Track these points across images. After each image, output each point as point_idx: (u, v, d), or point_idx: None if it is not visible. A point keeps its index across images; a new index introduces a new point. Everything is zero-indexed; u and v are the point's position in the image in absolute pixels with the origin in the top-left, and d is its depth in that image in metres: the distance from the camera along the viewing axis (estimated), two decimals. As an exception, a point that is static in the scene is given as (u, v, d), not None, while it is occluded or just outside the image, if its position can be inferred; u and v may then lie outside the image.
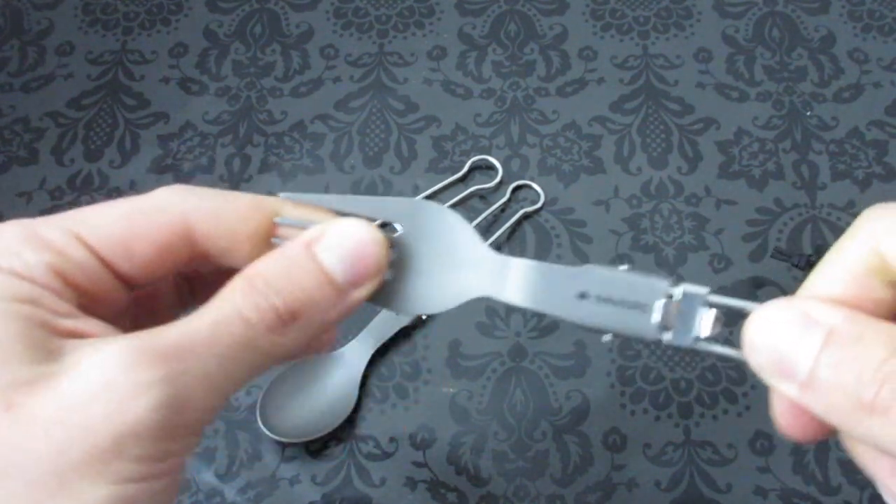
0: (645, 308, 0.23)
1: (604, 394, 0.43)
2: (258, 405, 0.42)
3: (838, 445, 0.41)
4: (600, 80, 0.54)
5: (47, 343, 0.19)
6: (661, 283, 0.23)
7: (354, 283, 0.23)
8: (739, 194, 0.49)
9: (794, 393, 0.19)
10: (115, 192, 0.51)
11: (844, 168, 0.50)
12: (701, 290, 0.23)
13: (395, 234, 0.25)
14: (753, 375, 0.46)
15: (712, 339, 0.23)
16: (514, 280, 0.24)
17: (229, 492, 0.42)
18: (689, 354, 0.44)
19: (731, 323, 0.23)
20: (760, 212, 0.48)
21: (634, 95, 0.53)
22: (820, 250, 0.46)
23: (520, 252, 0.48)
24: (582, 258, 0.47)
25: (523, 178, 0.50)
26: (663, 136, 0.52)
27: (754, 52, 0.55)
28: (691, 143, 0.51)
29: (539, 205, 0.49)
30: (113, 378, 0.19)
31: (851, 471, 0.41)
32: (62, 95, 0.55)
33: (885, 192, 0.49)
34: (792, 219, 0.48)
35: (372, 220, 0.24)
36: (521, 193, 0.50)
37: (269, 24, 0.58)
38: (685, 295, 0.22)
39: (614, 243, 0.48)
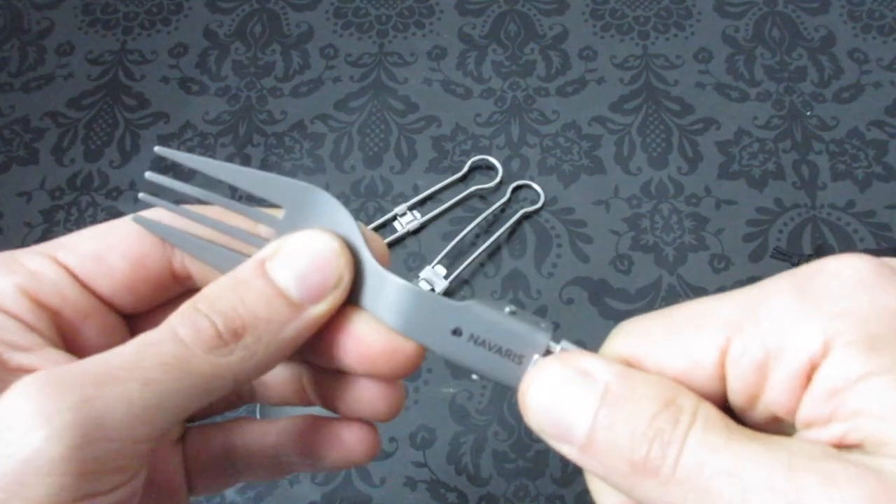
0: (518, 359, 0.21)
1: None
2: (258, 405, 0.42)
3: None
4: (600, 80, 0.54)
5: None
6: (541, 338, 0.21)
7: (312, 299, 0.21)
8: (739, 194, 0.49)
9: (574, 456, 0.18)
10: (114, 192, 0.51)
11: (844, 168, 0.50)
12: (573, 347, 0.21)
13: (278, 217, 0.23)
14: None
15: None
16: (388, 297, 0.22)
17: (229, 491, 0.42)
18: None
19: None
20: (760, 212, 0.48)
21: (634, 95, 0.53)
22: (820, 250, 0.46)
23: (519, 253, 0.48)
24: (582, 258, 0.47)
25: (523, 178, 0.50)
26: (663, 136, 0.52)
27: (754, 52, 0.55)
28: (691, 143, 0.51)
29: (539, 205, 0.49)
30: (15, 410, 0.17)
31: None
32: (62, 95, 0.55)
33: (885, 192, 0.49)
34: (792, 219, 0.48)
35: (253, 196, 0.23)
36: (521, 193, 0.50)
37: (269, 24, 0.58)
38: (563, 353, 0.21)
39: (614, 243, 0.48)
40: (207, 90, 0.55)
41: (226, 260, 0.23)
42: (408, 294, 0.22)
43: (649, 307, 0.46)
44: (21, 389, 0.17)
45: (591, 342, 0.45)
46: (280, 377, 0.25)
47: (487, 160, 0.51)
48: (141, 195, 0.24)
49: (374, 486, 0.41)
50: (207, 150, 0.52)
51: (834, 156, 0.50)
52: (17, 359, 0.19)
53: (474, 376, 0.22)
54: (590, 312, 0.46)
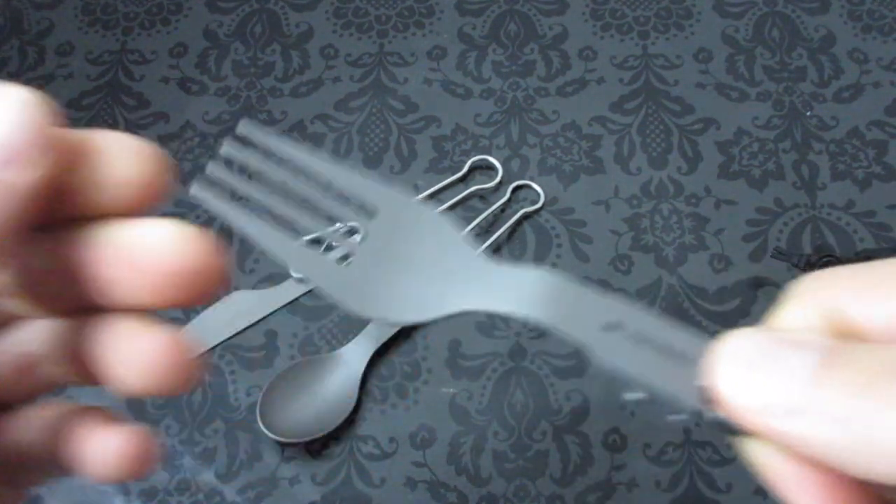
0: (687, 363, 0.17)
1: (604, 394, 0.43)
2: (258, 405, 0.42)
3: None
4: (600, 80, 0.54)
5: None
6: (705, 340, 0.17)
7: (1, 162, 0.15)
8: (739, 194, 0.49)
9: (785, 428, 0.15)
10: (115, 192, 0.51)
11: (844, 168, 0.50)
12: None
13: (371, 220, 0.21)
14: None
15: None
16: (525, 291, 0.19)
17: (229, 492, 0.42)
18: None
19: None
20: (760, 212, 0.48)
21: (634, 95, 0.53)
22: (820, 250, 0.46)
23: (520, 252, 0.48)
24: (582, 258, 0.47)
25: (523, 178, 0.50)
26: (663, 136, 0.52)
27: (754, 52, 0.55)
28: (691, 143, 0.51)
29: (539, 205, 0.49)
30: None
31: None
32: (62, 95, 0.55)
33: (886, 192, 0.49)
34: (792, 219, 0.48)
35: (342, 197, 0.21)
36: (521, 193, 0.50)
37: (269, 24, 0.58)
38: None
39: (614, 243, 0.48)
40: (207, 90, 0.55)
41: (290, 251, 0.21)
42: (554, 283, 0.19)
43: (650, 307, 0.46)
44: None
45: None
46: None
47: (487, 160, 0.51)
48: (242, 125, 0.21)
49: (374, 487, 0.41)
50: (207, 150, 0.52)
51: (834, 156, 0.50)
52: None
53: (629, 396, 0.18)
54: (590, 312, 0.46)
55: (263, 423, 0.42)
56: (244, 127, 0.21)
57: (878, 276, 0.16)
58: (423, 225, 0.21)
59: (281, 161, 0.21)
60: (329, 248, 0.45)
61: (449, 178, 0.50)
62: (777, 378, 0.15)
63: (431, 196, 0.50)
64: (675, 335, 0.18)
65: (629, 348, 0.18)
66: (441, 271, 0.20)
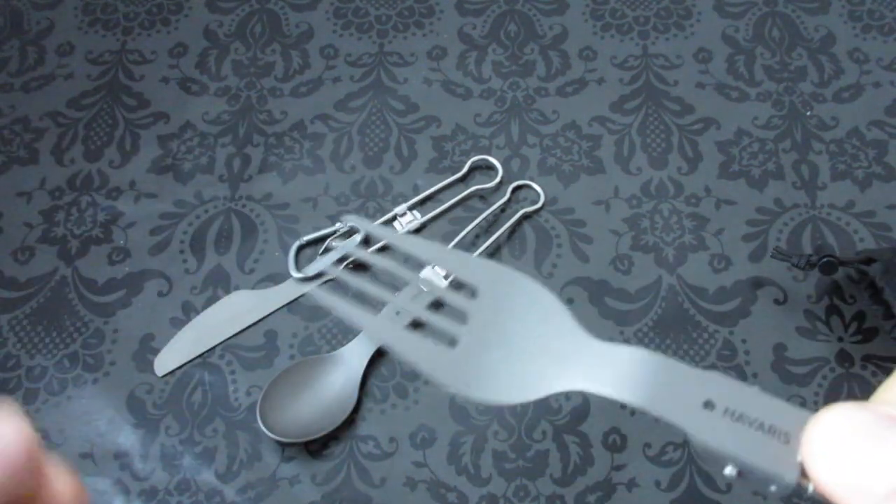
0: (786, 437, 0.17)
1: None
2: (258, 405, 0.42)
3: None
4: (600, 80, 0.54)
5: None
6: (806, 412, 0.17)
7: None
8: (739, 194, 0.49)
9: None
10: (114, 192, 0.51)
11: (844, 168, 0.50)
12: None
13: (473, 299, 0.22)
14: (754, 374, 0.45)
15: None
16: (622, 371, 0.20)
17: (229, 492, 0.42)
18: (688, 354, 0.44)
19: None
20: (760, 212, 0.48)
21: (634, 95, 0.53)
22: (820, 250, 0.45)
23: (519, 253, 0.48)
24: (582, 258, 0.47)
25: (523, 178, 0.50)
26: (663, 136, 0.52)
27: (754, 52, 0.55)
28: (691, 143, 0.51)
29: (539, 205, 0.49)
30: None
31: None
32: (62, 95, 0.55)
33: (886, 192, 0.49)
34: (792, 219, 0.48)
35: (448, 274, 0.22)
36: (521, 193, 0.50)
37: (269, 24, 0.58)
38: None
39: (614, 243, 0.48)
40: (207, 90, 0.55)
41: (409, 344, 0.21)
42: (649, 364, 0.20)
43: (649, 307, 0.46)
44: None
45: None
46: None
47: (487, 160, 0.51)
48: (348, 218, 0.24)
49: (374, 487, 0.41)
50: (207, 150, 0.52)
51: (834, 156, 0.50)
52: None
53: (727, 471, 0.18)
54: (590, 312, 0.46)
55: (264, 423, 0.42)
56: (351, 221, 0.23)
57: None
58: (523, 298, 0.22)
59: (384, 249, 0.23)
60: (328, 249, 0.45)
61: (449, 177, 0.50)
62: (878, 459, 0.15)
63: (431, 196, 0.50)
64: (774, 409, 0.18)
65: (728, 426, 0.18)
66: (542, 348, 0.22)
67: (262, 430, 0.42)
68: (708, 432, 0.18)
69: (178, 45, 0.57)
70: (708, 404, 0.18)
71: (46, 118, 0.54)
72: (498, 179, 0.50)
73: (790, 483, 0.17)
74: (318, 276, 0.46)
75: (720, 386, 0.18)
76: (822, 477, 0.16)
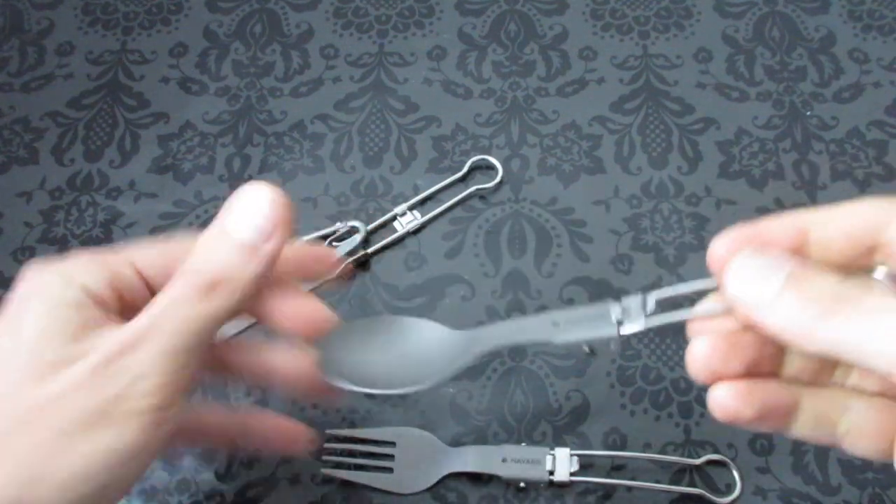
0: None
1: (604, 394, 0.43)
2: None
3: (838, 445, 0.41)
4: (600, 80, 0.54)
5: (74, 336, 0.27)
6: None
7: (264, 238, 0.29)
8: (739, 194, 0.49)
9: (760, 316, 0.24)
10: (114, 192, 0.51)
11: (844, 168, 0.50)
12: (565, 450, 0.39)
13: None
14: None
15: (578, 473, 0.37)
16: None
17: (229, 492, 0.42)
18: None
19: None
20: (760, 212, 0.48)
21: (634, 95, 0.53)
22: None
23: (519, 252, 0.48)
24: (582, 258, 0.47)
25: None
26: (663, 136, 0.52)
27: (754, 52, 0.55)
28: (691, 143, 0.51)
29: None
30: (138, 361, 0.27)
31: (851, 471, 0.41)
32: (62, 95, 0.55)
33: (885, 192, 0.49)
34: (792, 219, 0.48)
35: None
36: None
37: (269, 24, 0.58)
38: (559, 455, 0.39)
39: (614, 243, 0.48)
40: (207, 90, 0.55)
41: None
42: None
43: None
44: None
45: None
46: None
47: (487, 160, 0.51)
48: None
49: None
50: (207, 150, 0.52)
51: (834, 156, 0.50)
52: (90, 325, 0.28)
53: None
54: (590, 312, 0.46)
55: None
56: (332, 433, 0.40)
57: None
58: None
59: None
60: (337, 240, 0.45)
61: (449, 178, 0.50)
62: (762, 287, 0.24)
63: (431, 196, 0.50)
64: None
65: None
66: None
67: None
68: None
69: (178, 45, 0.57)
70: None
71: (46, 118, 0.54)
72: (498, 179, 0.50)
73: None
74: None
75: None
76: (731, 292, 0.26)
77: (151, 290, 0.30)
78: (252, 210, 0.29)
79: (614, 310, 0.30)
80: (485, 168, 0.51)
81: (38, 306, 0.28)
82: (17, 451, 0.25)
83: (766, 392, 0.27)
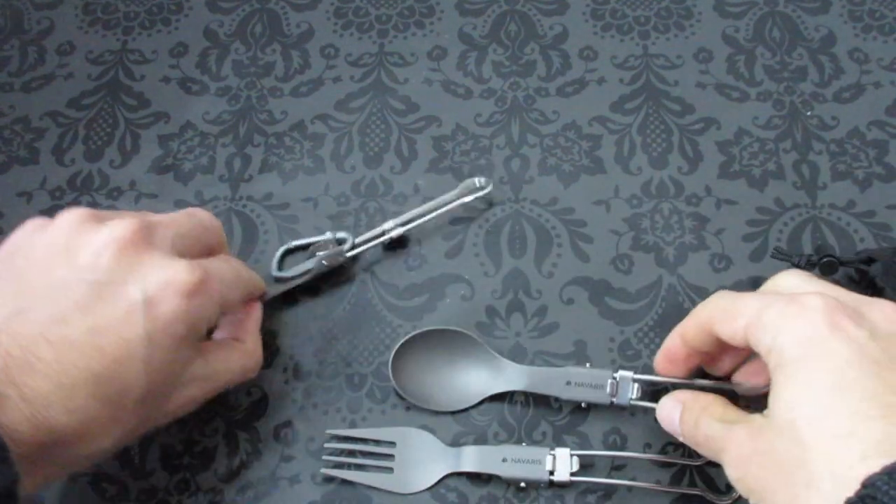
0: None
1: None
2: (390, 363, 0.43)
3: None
4: (600, 80, 0.54)
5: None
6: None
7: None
8: (739, 194, 0.49)
9: (680, 436, 0.38)
10: (115, 192, 0.51)
11: (844, 168, 0.50)
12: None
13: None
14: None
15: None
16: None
17: (229, 492, 0.42)
18: (690, 354, 0.44)
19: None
20: (761, 212, 0.48)
21: (634, 95, 0.53)
22: (820, 250, 0.45)
23: (520, 252, 0.48)
24: (582, 258, 0.47)
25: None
26: (663, 136, 0.52)
27: (754, 52, 0.55)
28: (691, 143, 0.51)
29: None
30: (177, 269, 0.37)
31: (852, 471, 0.41)
32: (62, 95, 0.55)
33: (885, 192, 0.49)
34: (792, 219, 0.48)
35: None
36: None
37: (269, 24, 0.58)
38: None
39: (614, 243, 0.48)
40: (207, 90, 0.55)
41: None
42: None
43: (650, 307, 0.46)
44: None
45: (591, 341, 0.45)
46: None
47: (477, 182, 0.50)
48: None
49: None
50: (208, 150, 0.52)
51: (834, 156, 0.50)
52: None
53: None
54: (590, 312, 0.46)
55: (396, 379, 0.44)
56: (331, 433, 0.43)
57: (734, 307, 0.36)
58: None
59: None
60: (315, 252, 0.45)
61: (448, 178, 0.50)
62: (674, 418, 0.38)
63: (423, 214, 0.50)
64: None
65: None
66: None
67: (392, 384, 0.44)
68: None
69: (179, 45, 0.57)
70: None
71: (46, 118, 0.54)
72: (489, 189, 0.50)
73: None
74: (293, 277, 0.46)
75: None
76: (661, 420, 0.39)
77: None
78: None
79: (609, 383, 0.42)
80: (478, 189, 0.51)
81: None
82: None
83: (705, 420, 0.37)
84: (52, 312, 0.32)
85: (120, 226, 0.35)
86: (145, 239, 0.35)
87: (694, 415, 0.36)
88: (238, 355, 0.41)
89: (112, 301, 0.33)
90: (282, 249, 0.48)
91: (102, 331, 0.32)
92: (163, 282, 0.34)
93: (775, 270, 0.38)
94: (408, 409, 0.43)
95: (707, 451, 0.35)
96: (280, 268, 0.47)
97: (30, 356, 0.31)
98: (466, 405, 0.43)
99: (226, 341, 0.41)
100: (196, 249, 0.39)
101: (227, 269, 0.40)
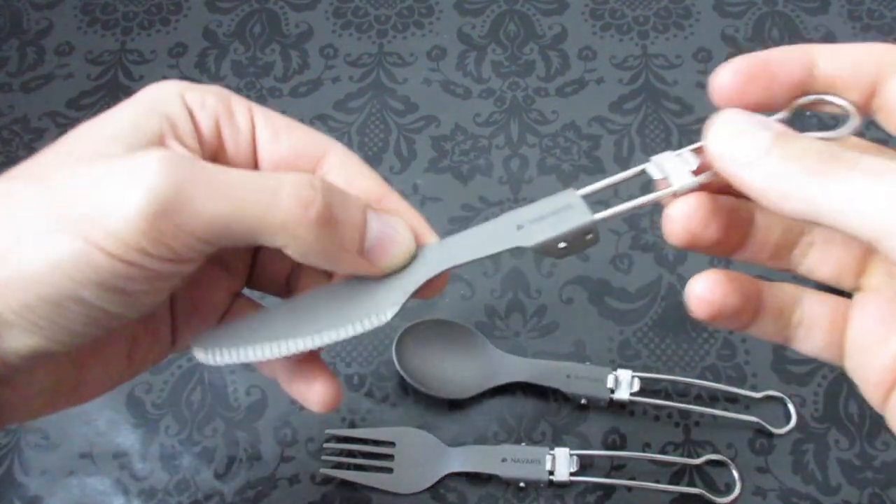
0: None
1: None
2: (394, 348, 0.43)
3: (838, 445, 0.41)
4: (600, 80, 0.54)
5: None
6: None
7: (373, 256, 0.27)
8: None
9: (744, 173, 0.23)
10: (114, 192, 0.51)
11: (844, 168, 0.50)
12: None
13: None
14: (754, 374, 0.45)
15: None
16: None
17: (229, 492, 0.42)
18: (688, 353, 0.44)
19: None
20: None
21: (634, 95, 0.53)
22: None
23: (520, 252, 0.48)
24: (582, 257, 0.47)
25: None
26: (663, 136, 0.52)
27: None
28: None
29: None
30: (141, 164, 0.24)
31: (851, 471, 0.41)
32: (62, 95, 0.55)
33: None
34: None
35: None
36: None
37: (269, 24, 0.58)
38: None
39: (614, 242, 0.48)
40: (207, 90, 0.55)
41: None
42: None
43: (649, 306, 0.46)
44: (158, 154, 0.23)
45: (590, 341, 0.45)
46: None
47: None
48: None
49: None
50: (207, 150, 0.52)
51: (833, 155, 0.50)
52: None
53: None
54: (590, 312, 0.46)
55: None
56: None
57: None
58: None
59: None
60: None
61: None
62: (746, 143, 0.23)
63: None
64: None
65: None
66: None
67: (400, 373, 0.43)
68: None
69: (178, 45, 0.57)
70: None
71: (46, 118, 0.54)
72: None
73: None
74: None
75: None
76: (713, 148, 0.24)
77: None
78: (386, 236, 0.29)
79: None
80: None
81: (131, 108, 0.26)
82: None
83: (742, 283, 0.27)
84: None
85: None
86: None
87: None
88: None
89: None
90: None
91: None
92: None
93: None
94: (407, 408, 0.43)
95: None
96: None
97: None
98: (468, 395, 0.43)
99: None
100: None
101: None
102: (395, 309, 0.28)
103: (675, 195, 0.28)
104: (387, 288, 0.28)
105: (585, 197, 0.30)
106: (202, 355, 0.27)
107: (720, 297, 0.27)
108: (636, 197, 0.29)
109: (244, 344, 0.27)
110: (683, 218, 0.27)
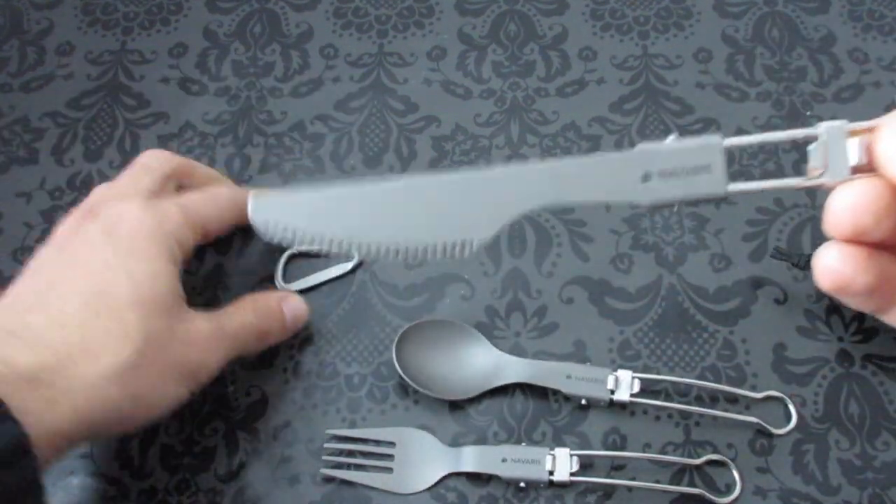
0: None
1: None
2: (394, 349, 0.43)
3: (838, 445, 0.41)
4: (600, 81, 0.54)
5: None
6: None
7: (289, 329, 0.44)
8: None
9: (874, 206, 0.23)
10: (114, 192, 0.51)
11: (844, 168, 0.50)
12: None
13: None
14: (754, 374, 0.45)
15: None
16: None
17: (229, 492, 0.42)
18: (688, 354, 0.44)
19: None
20: (760, 211, 0.48)
21: (634, 96, 0.53)
22: (820, 250, 0.45)
23: (519, 252, 0.48)
24: (582, 257, 0.47)
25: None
26: (663, 136, 0.52)
27: (754, 52, 0.55)
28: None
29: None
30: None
31: (851, 471, 0.41)
32: (62, 95, 0.55)
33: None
34: (792, 219, 0.48)
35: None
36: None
37: (269, 24, 0.58)
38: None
39: (614, 243, 0.48)
40: (207, 90, 0.55)
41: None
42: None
43: (650, 306, 0.46)
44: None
45: (590, 341, 0.45)
46: None
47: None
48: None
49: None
50: (207, 150, 0.52)
51: (834, 156, 0.50)
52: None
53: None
54: (590, 312, 0.46)
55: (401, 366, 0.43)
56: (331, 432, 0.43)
57: None
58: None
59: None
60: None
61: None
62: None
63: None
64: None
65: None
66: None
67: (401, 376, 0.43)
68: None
69: (178, 45, 0.57)
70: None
71: (46, 118, 0.54)
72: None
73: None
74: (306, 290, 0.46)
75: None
76: (883, 152, 0.25)
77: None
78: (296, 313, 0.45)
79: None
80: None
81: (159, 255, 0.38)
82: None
83: (882, 261, 0.25)
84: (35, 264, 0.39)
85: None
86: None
87: None
88: (251, 307, 0.42)
89: (81, 234, 0.38)
90: (286, 255, 0.48)
91: (75, 255, 0.37)
92: (117, 210, 0.39)
93: (775, 270, 0.38)
94: (407, 408, 0.43)
95: None
96: (285, 271, 0.47)
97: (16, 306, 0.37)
98: (468, 395, 0.43)
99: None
100: (170, 188, 0.43)
101: (197, 196, 0.42)
102: (492, 232, 0.26)
103: (825, 187, 0.25)
104: (489, 208, 0.25)
105: (729, 151, 0.26)
106: (261, 227, 0.28)
107: (851, 270, 0.24)
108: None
109: (308, 229, 0.26)
110: (856, 206, 0.24)
